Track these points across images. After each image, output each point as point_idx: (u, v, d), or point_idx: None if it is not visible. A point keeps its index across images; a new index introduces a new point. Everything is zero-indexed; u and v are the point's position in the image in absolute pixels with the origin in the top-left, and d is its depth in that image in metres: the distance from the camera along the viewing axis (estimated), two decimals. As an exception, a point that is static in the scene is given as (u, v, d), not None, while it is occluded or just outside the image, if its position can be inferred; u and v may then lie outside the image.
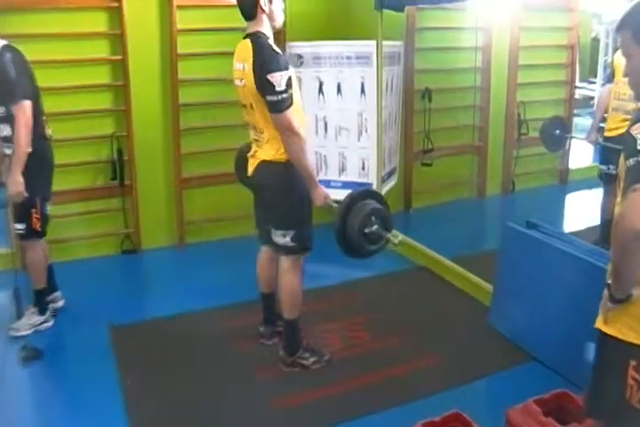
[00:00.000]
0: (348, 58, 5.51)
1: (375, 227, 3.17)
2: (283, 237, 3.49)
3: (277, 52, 3.30)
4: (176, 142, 5.43)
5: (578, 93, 7.50)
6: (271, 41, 3.37)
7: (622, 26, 1.98)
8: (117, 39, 5.10)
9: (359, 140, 5.64)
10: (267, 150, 3.41)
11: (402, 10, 5.47)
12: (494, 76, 6.58)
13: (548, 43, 6.95)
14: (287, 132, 3.25)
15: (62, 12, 4.89)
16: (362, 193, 3.29)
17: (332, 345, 3.89)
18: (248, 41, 3.37)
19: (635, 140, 1.81)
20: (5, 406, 3.38)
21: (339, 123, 5.65)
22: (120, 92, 5.21)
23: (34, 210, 3.90)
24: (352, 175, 5.73)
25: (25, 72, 3.82)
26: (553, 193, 7.15)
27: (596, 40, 8.48)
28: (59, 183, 4.79)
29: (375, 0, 5.31)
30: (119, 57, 5.11)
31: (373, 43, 5.37)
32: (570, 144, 6.73)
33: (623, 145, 1.91)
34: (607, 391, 2.08)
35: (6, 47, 3.77)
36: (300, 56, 5.63)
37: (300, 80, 5.60)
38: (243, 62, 3.35)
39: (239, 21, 5.49)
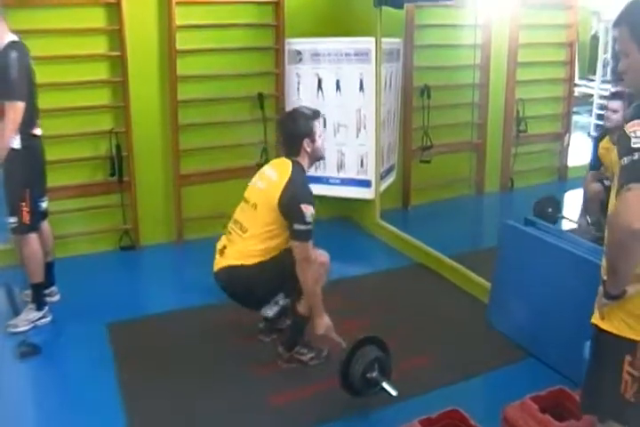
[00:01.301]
0: (347, 54, 5.52)
1: (375, 373, 3.26)
2: (276, 305, 3.62)
3: (310, 189, 3.53)
4: (175, 139, 5.43)
5: (577, 91, 7.47)
6: (305, 173, 3.61)
7: (619, 23, 1.98)
8: (116, 35, 5.09)
9: (358, 136, 5.65)
10: (241, 253, 3.52)
11: (401, 7, 5.46)
12: (493, 73, 6.57)
13: (547, 40, 6.94)
14: (304, 263, 3.42)
15: (61, 7, 4.89)
16: (368, 338, 3.36)
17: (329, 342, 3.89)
18: (290, 163, 3.55)
19: (629, 138, 1.81)
20: (3, 401, 3.38)
21: (337, 119, 5.65)
22: (119, 88, 5.20)
23: (23, 203, 3.93)
24: (350, 172, 5.73)
25: (26, 73, 3.85)
26: (552, 190, 7.14)
27: (595, 38, 8.46)
28: (57, 179, 4.81)
29: (375, -3, 5.31)
30: (118, 53, 5.10)
31: (372, 39, 5.38)
32: (568, 141, 6.75)
33: (617, 143, 1.91)
34: (603, 386, 2.09)
35: (13, 45, 3.80)
36: (298, 52, 5.63)
37: (298, 77, 5.61)
38: (277, 173, 3.53)
39: (238, 17, 5.54)
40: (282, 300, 3.61)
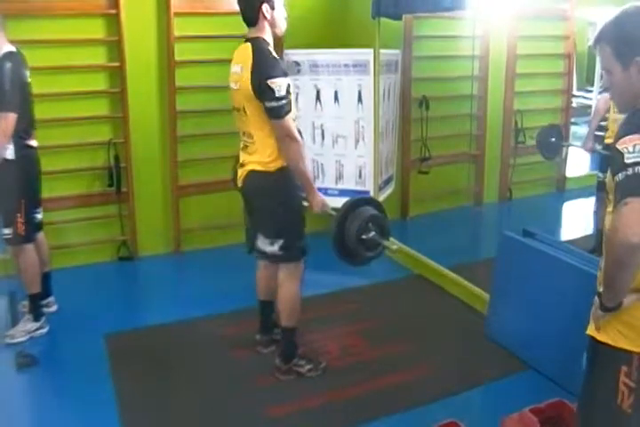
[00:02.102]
0: (346, 66, 5.52)
1: (372, 234, 3.15)
2: (270, 246, 3.49)
3: (277, 59, 3.33)
4: (173, 150, 5.43)
5: (575, 102, 7.51)
6: (271, 47, 3.38)
7: (600, 40, 1.98)
8: (115, 46, 5.10)
9: (356, 147, 5.65)
10: (256, 159, 3.41)
11: (399, 18, 5.48)
12: (491, 84, 6.60)
13: (545, 51, 6.97)
14: (287, 139, 3.27)
15: (60, 18, 4.90)
16: (360, 200, 3.29)
17: (328, 353, 3.88)
18: (248, 44, 3.37)
19: (621, 154, 1.81)
20: (1, 412, 3.36)
21: (336, 131, 5.65)
22: (117, 98, 5.21)
23: (19, 215, 3.93)
24: (349, 183, 5.73)
25: (20, 84, 3.84)
26: (550, 201, 7.16)
27: (593, 49, 8.50)
28: (55, 189, 4.82)
29: (372, 8, 5.32)
30: (116, 64, 5.12)
31: (371, 51, 5.39)
32: (567, 152, 6.75)
33: (610, 159, 1.92)
34: (599, 397, 2.09)
35: (9, 55, 3.80)
36: (297, 64, 5.64)
37: (297, 88, 5.62)
38: (241, 65, 3.36)
39: (237, 29, 5.50)
40: (277, 247, 3.47)
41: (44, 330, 4.15)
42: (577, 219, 6.78)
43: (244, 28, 5.51)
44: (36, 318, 4.12)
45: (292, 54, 5.63)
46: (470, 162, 6.59)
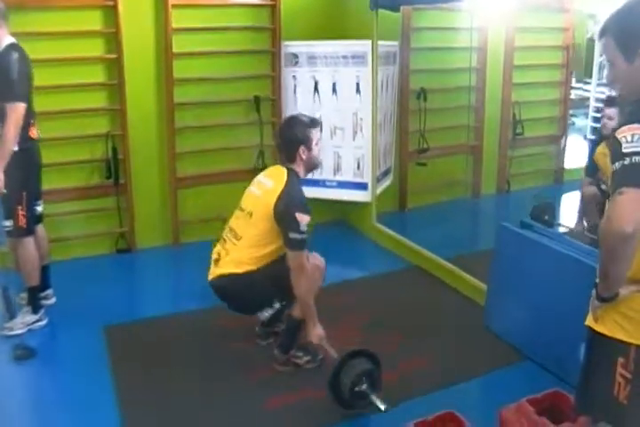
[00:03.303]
0: (344, 57, 5.52)
1: (365, 386, 3.25)
2: (272, 309, 3.62)
3: (305, 198, 3.53)
4: (171, 141, 5.43)
5: (573, 94, 7.48)
6: (300, 181, 3.60)
7: (605, 32, 1.98)
8: (112, 38, 5.10)
9: (354, 139, 5.65)
10: (234, 261, 3.53)
11: (397, 10, 5.48)
12: (490, 76, 6.58)
13: (543, 43, 6.95)
14: (299, 272, 3.43)
15: (57, 10, 4.90)
16: (359, 351, 3.37)
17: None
18: (285, 170, 3.56)
19: (620, 143, 1.81)
20: (-1, 405, 3.38)
21: (334, 122, 5.66)
22: (115, 90, 5.21)
23: (20, 207, 3.92)
24: (347, 175, 5.74)
25: (26, 74, 3.85)
26: (548, 193, 7.14)
27: (591, 41, 8.47)
28: (53, 182, 4.82)
29: (371, 0, 5.31)
30: (114, 56, 5.11)
31: (369, 42, 5.39)
32: (565, 144, 6.76)
33: (609, 149, 1.92)
34: (596, 388, 2.10)
35: (13, 46, 3.81)
36: (295, 55, 5.64)
37: (295, 79, 5.62)
38: (272, 181, 3.54)
39: (234, 20, 5.55)
40: (277, 304, 3.61)
41: (43, 322, 4.16)
42: (574, 211, 6.77)
43: (240, 20, 5.56)
44: (35, 311, 4.12)
45: (290, 46, 5.63)
46: (468, 154, 6.58)
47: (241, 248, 3.51)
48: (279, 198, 3.41)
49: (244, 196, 3.68)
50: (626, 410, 2.01)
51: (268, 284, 3.52)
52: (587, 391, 2.17)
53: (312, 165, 3.68)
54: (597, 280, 2.00)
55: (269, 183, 3.54)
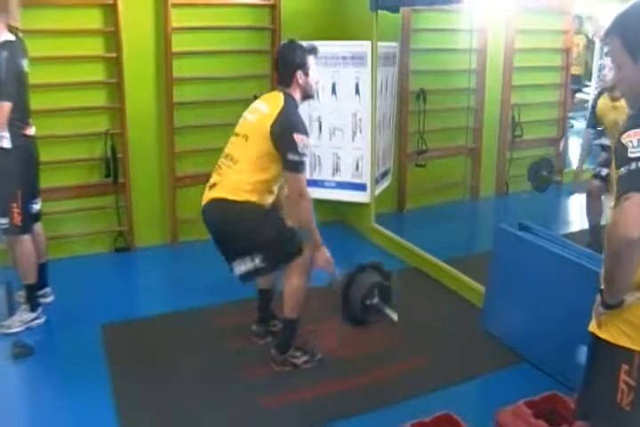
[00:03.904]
0: (344, 58, 5.52)
1: (376, 300, 3.26)
2: (251, 262, 3.46)
3: (302, 120, 3.50)
4: (170, 140, 5.43)
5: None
6: (298, 107, 3.56)
7: (610, 34, 1.94)
8: (112, 36, 5.09)
9: (353, 140, 5.65)
10: (230, 186, 3.46)
11: (397, 11, 5.49)
12: (489, 78, 6.58)
13: (543, 45, 6.95)
14: (297, 194, 3.41)
15: (57, 8, 4.89)
16: (368, 264, 3.39)
17: (323, 345, 3.89)
18: (281, 94, 3.53)
19: (625, 148, 1.80)
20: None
21: (333, 123, 5.65)
22: (114, 89, 5.20)
23: (14, 204, 3.92)
24: (346, 175, 5.73)
25: (16, 73, 3.83)
26: (546, 195, 7.14)
27: (591, 43, 8.48)
28: (52, 180, 4.81)
29: (370, 1, 5.32)
30: (114, 54, 5.11)
31: (368, 43, 5.38)
32: (564, 146, 6.77)
33: (614, 153, 1.91)
34: (599, 395, 2.08)
35: (6, 44, 3.78)
36: (295, 56, 5.62)
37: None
38: (268, 106, 3.50)
39: (233, 20, 5.54)
40: (258, 260, 3.45)
41: (41, 320, 4.16)
42: (573, 213, 6.78)
43: (240, 20, 5.56)
44: (33, 309, 4.12)
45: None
46: (467, 155, 6.58)
47: (238, 172, 3.44)
48: (276, 120, 3.38)
49: (239, 123, 3.63)
50: (629, 417, 1.99)
51: (261, 227, 3.45)
52: (588, 398, 2.15)
53: (308, 92, 3.64)
54: (602, 287, 1.98)
55: (265, 108, 3.50)
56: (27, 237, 4.04)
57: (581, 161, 5.40)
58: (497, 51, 6.51)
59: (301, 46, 3.61)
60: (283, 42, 3.85)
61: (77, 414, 3.27)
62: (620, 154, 1.82)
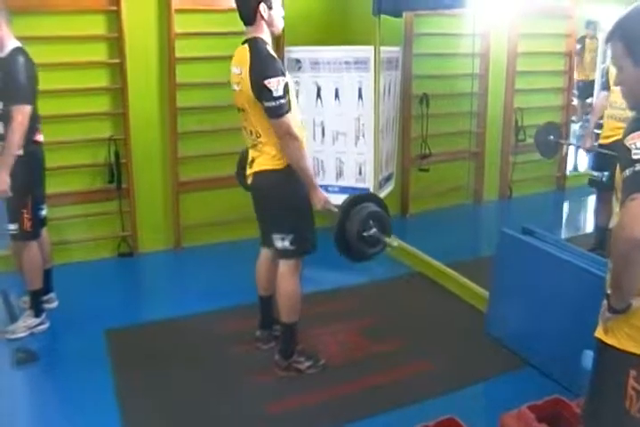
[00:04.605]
0: (347, 63, 5.52)
1: (373, 231, 3.16)
2: (282, 241, 3.48)
3: (274, 58, 3.32)
4: (173, 146, 5.43)
5: (575, 100, 7.51)
6: (269, 47, 3.39)
7: (612, 37, 1.96)
8: (115, 42, 5.11)
9: (356, 145, 5.65)
10: (265, 157, 3.42)
11: (400, 15, 5.49)
12: (492, 82, 6.60)
13: (545, 49, 6.97)
14: (286, 137, 3.28)
15: (61, 14, 4.91)
16: (361, 196, 3.29)
17: (327, 350, 3.89)
18: (246, 46, 3.39)
19: (629, 150, 1.80)
20: (0, 408, 3.37)
21: (336, 128, 5.66)
22: (118, 95, 5.22)
23: (24, 210, 3.93)
24: (349, 180, 5.73)
25: (33, 78, 3.87)
26: (550, 199, 7.16)
27: (605, 45, 8.48)
28: (56, 186, 4.81)
29: (373, 5, 5.32)
30: (117, 60, 5.12)
31: (371, 48, 5.39)
32: (566, 151, 6.76)
33: (618, 155, 1.91)
34: (606, 401, 2.06)
35: (19, 50, 3.83)
36: (298, 61, 5.64)
37: (298, 85, 5.61)
38: (240, 67, 3.37)
39: (237, 26, 5.49)
40: (288, 240, 3.46)
41: (45, 326, 4.16)
42: (577, 217, 6.79)
43: (243, 25, 5.54)
44: (37, 314, 4.12)
45: (293, 51, 5.63)
46: (470, 160, 6.59)
47: (267, 142, 3.38)
48: (250, 78, 3.26)
49: (234, 96, 3.54)
50: (638, 424, 1.98)
51: (299, 199, 3.44)
52: (595, 404, 2.12)
53: (275, 26, 3.46)
54: (609, 291, 1.97)
55: (238, 71, 3.39)
56: (34, 244, 4.05)
57: (594, 122, 5.40)
58: (500, 55, 6.54)
59: None
60: None
61: (81, 419, 3.26)
62: (624, 156, 1.82)
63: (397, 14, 5.43)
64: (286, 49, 5.64)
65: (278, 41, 5.66)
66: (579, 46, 7.20)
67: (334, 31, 5.82)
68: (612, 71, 4.69)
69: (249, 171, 3.54)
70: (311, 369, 3.69)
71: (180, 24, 5.26)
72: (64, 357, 3.94)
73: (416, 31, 6.23)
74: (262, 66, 3.26)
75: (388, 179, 6.19)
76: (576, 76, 7.33)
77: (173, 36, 5.23)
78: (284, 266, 3.55)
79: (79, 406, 3.38)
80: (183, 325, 4.28)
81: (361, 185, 5.71)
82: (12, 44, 3.83)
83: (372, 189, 5.65)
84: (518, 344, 3.82)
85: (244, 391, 3.53)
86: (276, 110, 3.24)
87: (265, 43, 3.38)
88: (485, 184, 6.84)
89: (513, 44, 6.58)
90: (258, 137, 3.42)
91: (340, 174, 5.76)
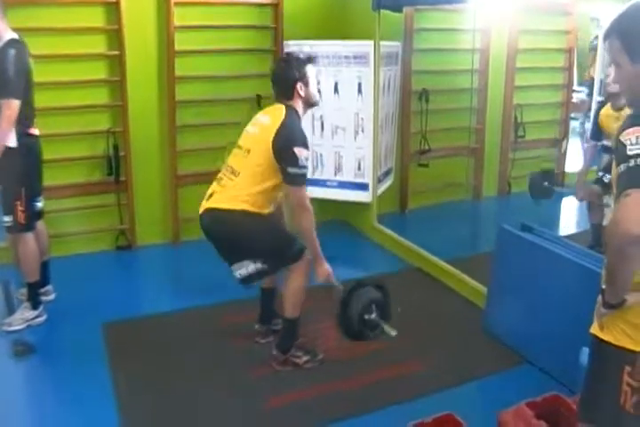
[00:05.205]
0: (346, 57, 5.52)
1: (374, 315, 3.26)
2: (253, 264, 3.47)
3: (304, 133, 3.46)
4: (172, 139, 5.42)
5: (575, 97, 7.48)
6: (300, 119, 3.54)
7: (610, 34, 1.96)
8: (115, 35, 5.10)
9: (355, 139, 5.65)
10: (229, 196, 3.45)
11: (400, 10, 5.48)
12: (492, 78, 6.58)
13: (546, 46, 6.95)
14: (300, 208, 3.39)
15: (60, 6, 4.89)
16: (367, 280, 3.41)
17: (324, 345, 3.88)
18: (283, 106, 3.51)
19: (624, 146, 1.81)
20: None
21: (335, 122, 5.66)
22: (116, 87, 5.20)
23: (18, 202, 3.93)
24: (348, 175, 5.73)
25: (24, 71, 3.84)
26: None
27: (603, 42, 8.46)
28: (54, 178, 4.81)
29: (373, 0, 5.31)
30: (116, 52, 5.11)
31: (371, 43, 5.38)
32: (566, 147, 6.77)
33: (614, 152, 1.91)
34: (601, 397, 2.08)
35: (13, 42, 3.80)
36: (297, 55, 5.62)
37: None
38: (270, 118, 3.48)
39: (236, 19, 5.54)
40: (260, 264, 3.48)
41: (42, 318, 4.16)
42: (575, 214, 6.78)
43: (242, 18, 5.55)
44: (34, 307, 4.12)
45: (292, 45, 5.61)
46: (470, 155, 6.58)
47: (238, 183, 3.43)
48: (277, 133, 3.36)
49: (242, 135, 3.62)
50: (632, 420, 1.99)
51: (258, 233, 3.44)
52: (591, 400, 2.15)
53: (310, 102, 3.62)
54: (604, 286, 1.98)
55: (267, 120, 3.48)
56: (30, 236, 4.04)
57: (582, 173, 5.27)
58: (500, 51, 6.52)
59: (297, 58, 3.59)
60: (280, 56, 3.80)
61: (79, 411, 3.26)
62: (619, 152, 1.83)
63: (397, 9, 5.42)
64: (285, 43, 5.63)
65: (277, 34, 5.66)
66: (595, 43, 7.15)
67: (334, 25, 5.82)
68: (604, 120, 4.74)
69: (205, 203, 3.58)
70: (309, 364, 3.69)
71: (179, 17, 5.25)
72: (61, 349, 3.93)
73: (416, 26, 6.21)
74: (295, 134, 3.40)
75: (387, 174, 6.19)
76: (591, 73, 7.28)
77: (173, 29, 5.22)
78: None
79: (76, 399, 3.38)
80: (181, 318, 4.28)
81: (360, 180, 5.71)
82: (7, 35, 3.81)
83: (370, 184, 5.65)
84: (516, 341, 3.82)
85: (241, 385, 3.52)
86: (297, 178, 3.36)
87: (298, 115, 3.54)
88: (484, 180, 6.83)
89: (513, 39, 6.56)
90: (234, 176, 3.47)
91: (338, 169, 5.76)
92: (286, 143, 3.33)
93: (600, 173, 5.07)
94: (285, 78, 3.55)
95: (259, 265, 3.47)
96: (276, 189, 3.48)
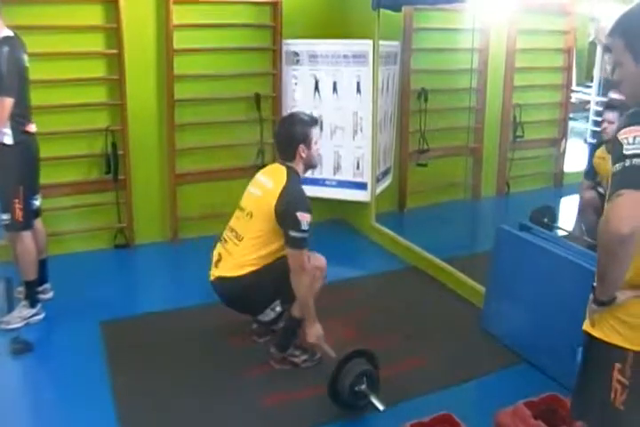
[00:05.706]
0: (345, 57, 5.52)
1: (364, 386, 3.24)
2: (273, 311, 3.63)
3: (306, 196, 3.50)
4: (171, 138, 5.42)
5: (574, 97, 7.48)
6: (300, 180, 3.60)
7: (613, 33, 1.96)
8: (113, 33, 5.09)
9: (354, 139, 5.65)
10: (236, 263, 3.51)
11: (399, 10, 5.47)
12: (491, 78, 6.57)
13: (545, 46, 6.95)
14: (298, 270, 3.42)
15: (59, 4, 4.88)
16: (359, 351, 3.35)
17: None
18: (284, 168, 3.54)
19: (621, 145, 1.81)
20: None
21: (334, 121, 5.66)
22: (115, 86, 5.20)
23: (16, 200, 3.92)
24: (346, 174, 5.73)
25: (17, 69, 3.82)
26: (547, 196, 7.14)
27: (593, 44, 8.47)
28: (52, 176, 4.81)
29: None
30: (115, 51, 5.10)
31: (370, 42, 5.38)
32: (565, 147, 6.76)
33: (611, 150, 1.91)
34: (593, 394, 2.10)
35: (7, 39, 3.78)
36: (296, 54, 5.63)
37: (295, 78, 5.62)
38: (272, 181, 3.52)
39: (235, 18, 5.54)
40: (278, 306, 3.61)
41: (40, 316, 4.15)
42: (574, 214, 6.78)
43: (241, 17, 5.55)
44: (32, 305, 4.12)
45: (291, 44, 5.62)
46: (468, 155, 6.57)
47: (243, 249, 3.50)
48: (280, 198, 3.40)
49: (244, 196, 3.67)
50: (622, 416, 2.00)
51: (269, 284, 3.50)
52: (583, 397, 2.16)
53: (311, 164, 3.66)
54: (595, 284, 1.99)
55: (269, 183, 3.52)
56: (27, 234, 4.04)
57: (579, 220, 5.24)
58: (499, 51, 6.52)
59: (301, 120, 3.60)
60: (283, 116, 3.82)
61: (76, 410, 3.26)
62: (615, 151, 1.83)
63: (397, 8, 5.41)
64: (284, 42, 5.64)
65: (276, 33, 5.65)
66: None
67: (333, 24, 5.81)
68: (598, 163, 4.72)
69: (214, 271, 3.66)
70: (307, 363, 3.69)
71: (178, 15, 5.24)
72: (59, 348, 3.93)
73: (415, 26, 6.20)
74: (298, 199, 3.44)
75: (385, 173, 6.19)
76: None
77: (172, 28, 5.21)
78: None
79: (74, 397, 3.38)
80: (179, 317, 4.28)
81: (358, 179, 5.71)
82: (2, 33, 3.78)
83: (369, 184, 5.65)
84: (514, 340, 3.82)
85: (239, 384, 3.52)
86: (299, 242, 3.39)
87: (299, 176, 3.60)
88: (483, 180, 6.82)
89: (512, 39, 6.55)
90: (239, 240, 3.53)
91: (337, 168, 5.76)
92: (289, 208, 3.37)
93: (597, 180, 5.04)
94: (289, 140, 3.56)
95: (278, 308, 3.63)
96: (281, 250, 3.51)
